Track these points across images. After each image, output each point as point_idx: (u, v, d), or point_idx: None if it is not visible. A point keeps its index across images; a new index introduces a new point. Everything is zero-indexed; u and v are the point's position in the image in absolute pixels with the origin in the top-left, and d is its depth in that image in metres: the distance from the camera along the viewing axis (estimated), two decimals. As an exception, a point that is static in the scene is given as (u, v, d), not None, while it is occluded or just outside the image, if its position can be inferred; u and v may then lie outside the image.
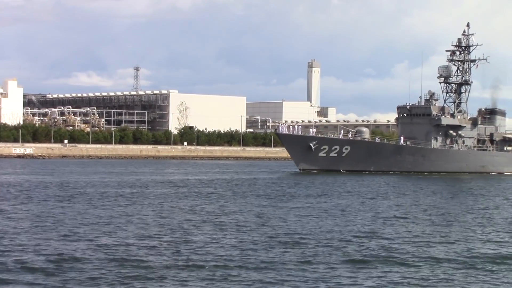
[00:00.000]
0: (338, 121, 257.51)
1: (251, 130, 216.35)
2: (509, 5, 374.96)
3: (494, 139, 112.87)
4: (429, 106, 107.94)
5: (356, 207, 46.55)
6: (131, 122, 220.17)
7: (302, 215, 40.99)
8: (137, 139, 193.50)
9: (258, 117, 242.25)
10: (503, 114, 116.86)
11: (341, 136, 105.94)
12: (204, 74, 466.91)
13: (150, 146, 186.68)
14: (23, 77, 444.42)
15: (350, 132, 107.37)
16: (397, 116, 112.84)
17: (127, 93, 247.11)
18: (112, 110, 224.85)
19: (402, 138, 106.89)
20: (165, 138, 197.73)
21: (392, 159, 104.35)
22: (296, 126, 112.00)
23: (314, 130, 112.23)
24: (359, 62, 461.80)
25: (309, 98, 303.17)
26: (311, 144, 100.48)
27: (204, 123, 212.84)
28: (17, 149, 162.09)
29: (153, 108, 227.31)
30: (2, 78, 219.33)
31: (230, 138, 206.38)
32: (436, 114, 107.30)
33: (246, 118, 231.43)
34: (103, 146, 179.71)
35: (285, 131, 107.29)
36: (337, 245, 29.52)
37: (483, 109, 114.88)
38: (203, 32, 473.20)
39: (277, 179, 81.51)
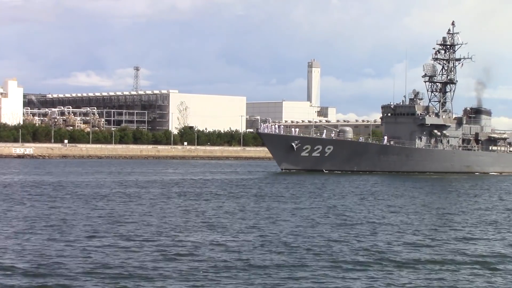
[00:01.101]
0: (338, 121, 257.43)
1: (251, 130, 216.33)
2: (508, 5, 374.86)
3: (479, 138, 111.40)
4: (413, 105, 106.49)
5: (339, 209, 45.53)
6: (131, 122, 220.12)
7: (275, 216, 40.60)
8: (137, 139, 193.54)
9: (258, 117, 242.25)
10: (488, 113, 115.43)
11: (324, 136, 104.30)
12: (203, 74, 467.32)
13: (150, 146, 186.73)
14: (23, 77, 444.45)
15: (333, 132, 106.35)
16: (381, 115, 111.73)
17: (127, 93, 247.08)
18: (112, 110, 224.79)
19: (385, 137, 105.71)
20: (165, 138, 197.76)
21: (375, 159, 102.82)
22: (278, 126, 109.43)
23: (297, 129, 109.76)
24: (358, 62, 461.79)
25: (309, 98, 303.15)
26: (293, 144, 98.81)
27: (204, 123, 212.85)
28: (17, 149, 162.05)
29: (153, 108, 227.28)
30: (2, 78, 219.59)
31: (230, 138, 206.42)
32: (421, 114, 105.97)
33: (246, 118, 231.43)
34: (103, 146, 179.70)
35: (267, 131, 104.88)
36: (325, 247, 29.16)
37: (468, 109, 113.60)
38: (203, 32, 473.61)
39: (257, 179, 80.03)
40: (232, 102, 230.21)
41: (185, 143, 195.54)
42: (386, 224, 37.46)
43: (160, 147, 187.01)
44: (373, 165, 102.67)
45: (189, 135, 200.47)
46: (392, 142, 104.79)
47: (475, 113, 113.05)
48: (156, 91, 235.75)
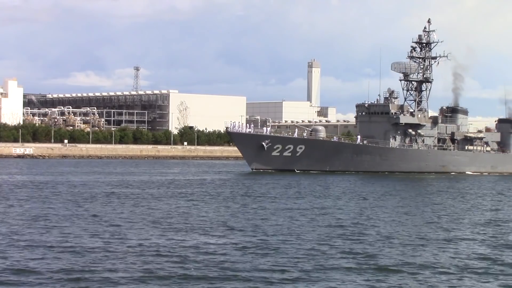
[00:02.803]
0: (338, 121, 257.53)
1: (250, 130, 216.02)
2: (509, 5, 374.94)
3: (455, 138, 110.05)
4: (387, 104, 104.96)
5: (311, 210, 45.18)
6: (131, 122, 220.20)
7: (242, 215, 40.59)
8: (137, 139, 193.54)
9: (258, 117, 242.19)
10: (465, 112, 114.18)
11: (295, 135, 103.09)
12: (203, 74, 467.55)
13: (150, 146, 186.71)
14: (23, 77, 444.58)
15: (306, 131, 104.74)
16: (355, 114, 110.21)
17: (127, 93, 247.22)
18: (112, 110, 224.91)
19: (359, 137, 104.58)
20: (165, 138, 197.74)
21: (348, 158, 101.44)
22: (248, 124, 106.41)
23: (268, 128, 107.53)
24: (358, 62, 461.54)
25: (309, 98, 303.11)
26: (263, 143, 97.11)
27: (204, 123, 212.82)
28: (17, 149, 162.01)
29: (153, 108, 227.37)
30: (2, 78, 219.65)
31: (230, 138, 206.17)
32: (395, 113, 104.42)
33: (246, 118, 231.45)
34: (103, 146, 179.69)
35: (237, 130, 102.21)
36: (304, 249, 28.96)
37: (444, 108, 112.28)
38: (202, 32, 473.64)
39: (225, 180, 78.90)
40: (232, 102, 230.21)
41: (185, 143, 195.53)
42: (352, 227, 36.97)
43: (160, 147, 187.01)
44: (346, 165, 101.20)
45: (189, 135, 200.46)
46: (365, 142, 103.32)
47: (451, 112, 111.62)
48: (156, 91, 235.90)
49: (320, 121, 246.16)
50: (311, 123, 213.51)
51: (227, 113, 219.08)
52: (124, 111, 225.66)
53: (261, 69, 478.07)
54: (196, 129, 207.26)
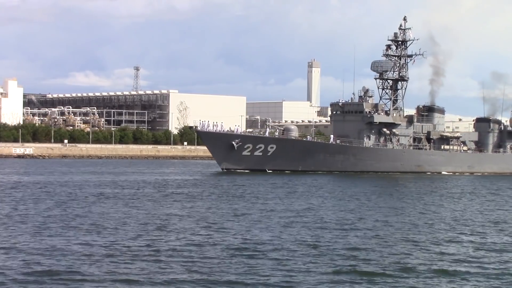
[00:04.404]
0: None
1: (251, 129, 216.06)
2: (509, 5, 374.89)
3: (431, 137, 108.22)
4: (361, 103, 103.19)
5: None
6: (131, 122, 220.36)
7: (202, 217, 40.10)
8: (137, 139, 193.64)
9: (258, 117, 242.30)
10: (441, 111, 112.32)
11: (266, 134, 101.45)
12: (202, 74, 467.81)
13: (150, 146, 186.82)
14: (22, 77, 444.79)
15: (278, 130, 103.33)
16: (330, 113, 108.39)
17: (127, 93, 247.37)
18: (112, 110, 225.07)
19: (332, 136, 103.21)
20: (165, 138, 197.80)
21: (321, 158, 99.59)
22: (218, 124, 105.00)
23: (239, 127, 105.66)
24: (357, 62, 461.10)
25: (309, 98, 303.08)
26: (233, 143, 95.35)
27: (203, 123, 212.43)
28: (17, 149, 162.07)
29: (153, 108, 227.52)
30: (2, 78, 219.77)
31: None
32: (369, 112, 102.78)
33: (246, 118, 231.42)
34: (103, 146, 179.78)
35: (208, 129, 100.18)
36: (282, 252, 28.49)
37: (421, 106, 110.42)
38: (202, 32, 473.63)
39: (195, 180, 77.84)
40: (232, 102, 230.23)
41: (185, 143, 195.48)
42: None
43: (160, 147, 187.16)
44: (319, 165, 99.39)
45: (189, 135, 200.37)
46: (338, 141, 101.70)
47: (428, 111, 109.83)
48: (156, 91, 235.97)
49: (320, 121, 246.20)
50: (311, 123, 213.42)
51: (227, 113, 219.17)
52: (124, 111, 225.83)
53: (261, 69, 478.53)
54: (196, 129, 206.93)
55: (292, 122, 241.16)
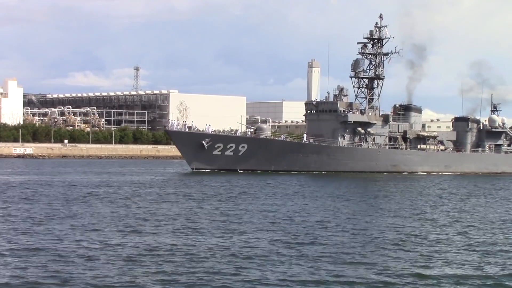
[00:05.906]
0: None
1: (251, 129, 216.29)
2: (509, 5, 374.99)
3: (407, 136, 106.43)
4: (335, 102, 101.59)
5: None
6: (131, 122, 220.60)
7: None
8: (137, 139, 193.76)
9: (258, 117, 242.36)
10: (418, 110, 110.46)
11: (238, 134, 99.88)
12: (202, 74, 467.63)
13: (150, 146, 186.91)
14: (22, 77, 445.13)
15: (250, 130, 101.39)
16: (304, 112, 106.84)
17: (127, 93, 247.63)
18: (112, 110, 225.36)
19: (305, 135, 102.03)
20: (165, 138, 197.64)
21: (294, 158, 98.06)
22: (188, 123, 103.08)
23: (209, 126, 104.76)
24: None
25: (309, 98, 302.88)
26: (203, 142, 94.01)
27: (204, 123, 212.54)
28: (17, 149, 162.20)
29: (153, 108, 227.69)
30: (2, 78, 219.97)
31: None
32: (343, 110, 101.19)
33: (246, 118, 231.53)
34: (103, 146, 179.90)
35: (176, 128, 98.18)
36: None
37: (397, 105, 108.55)
38: (201, 32, 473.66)
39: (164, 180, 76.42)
40: (232, 102, 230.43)
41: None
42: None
43: (160, 147, 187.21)
44: (292, 165, 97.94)
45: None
46: (311, 141, 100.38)
47: (404, 110, 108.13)
48: (156, 91, 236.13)
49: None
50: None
51: (227, 113, 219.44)
52: (124, 111, 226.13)
53: (261, 69, 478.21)
54: (195, 129, 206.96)
55: (292, 122, 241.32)
